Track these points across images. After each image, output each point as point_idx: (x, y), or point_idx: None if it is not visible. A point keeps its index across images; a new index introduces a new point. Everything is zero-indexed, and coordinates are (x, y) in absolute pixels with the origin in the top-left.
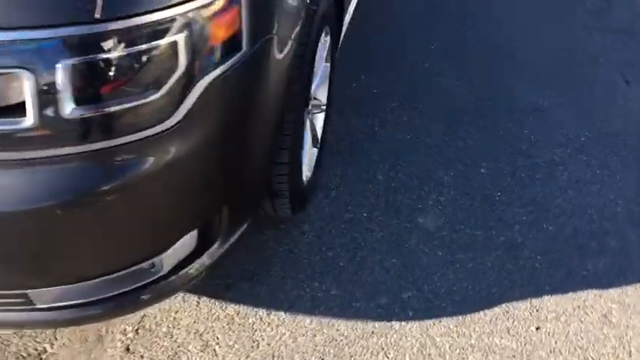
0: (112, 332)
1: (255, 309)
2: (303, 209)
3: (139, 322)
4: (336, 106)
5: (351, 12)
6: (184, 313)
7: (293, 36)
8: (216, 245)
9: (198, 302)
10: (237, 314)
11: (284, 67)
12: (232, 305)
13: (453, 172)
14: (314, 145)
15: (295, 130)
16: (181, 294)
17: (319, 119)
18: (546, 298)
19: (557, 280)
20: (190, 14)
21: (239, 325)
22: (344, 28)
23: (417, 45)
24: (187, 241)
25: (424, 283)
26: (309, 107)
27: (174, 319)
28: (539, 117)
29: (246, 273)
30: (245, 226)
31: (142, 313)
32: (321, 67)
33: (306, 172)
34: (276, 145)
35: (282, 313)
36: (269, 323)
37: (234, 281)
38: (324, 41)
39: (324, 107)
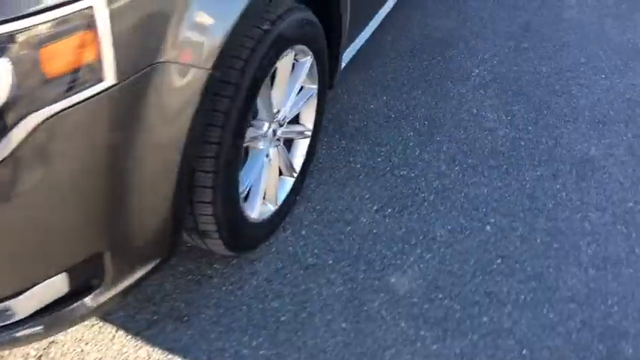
0: (15, 355)
1: (170, 356)
2: (250, 249)
3: (45, 349)
4: (344, 128)
5: (374, 26)
6: (94, 347)
7: (208, 62)
8: (99, 290)
9: (113, 336)
10: (149, 359)
11: (190, 97)
12: (148, 347)
13: (452, 226)
14: (289, 174)
15: (219, 167)
16: (99, 324)
17: (300, 146)
18: None
19: None
20: (12, 39)
21: None
22: (346, 49)
23: (457, 68)
24: (52, 286)
25: (372, 359)
26: (276, 136)
27: (82, 351)
28: (582, 170)
29: (176, 311)
30: (157, 262)
31: (51, 338)
32: (294, 89)
33: (269, 206)
34: (185, 184)
35: None
36: None
37: (160, 319)
38: (302, 62)
39: (309, 133)
